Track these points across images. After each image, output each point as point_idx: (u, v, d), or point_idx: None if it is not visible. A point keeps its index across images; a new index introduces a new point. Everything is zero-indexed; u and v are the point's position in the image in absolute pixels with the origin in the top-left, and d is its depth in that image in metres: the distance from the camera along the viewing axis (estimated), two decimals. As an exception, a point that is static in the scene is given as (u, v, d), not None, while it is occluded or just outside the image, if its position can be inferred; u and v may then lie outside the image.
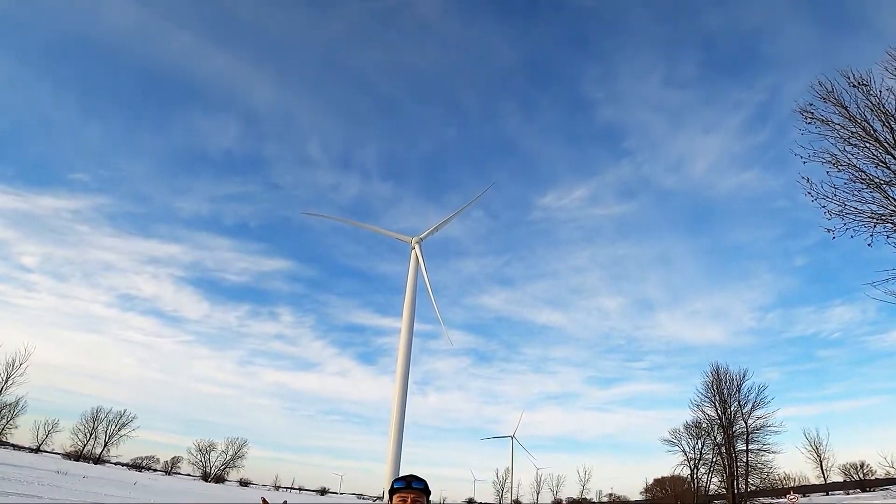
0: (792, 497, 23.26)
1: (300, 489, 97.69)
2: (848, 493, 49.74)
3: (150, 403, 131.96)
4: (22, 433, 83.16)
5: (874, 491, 47.52)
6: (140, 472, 75.86)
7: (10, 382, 33.77)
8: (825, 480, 55.64)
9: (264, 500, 2.56)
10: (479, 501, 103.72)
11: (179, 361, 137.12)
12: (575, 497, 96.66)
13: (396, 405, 27.01)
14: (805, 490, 52.19)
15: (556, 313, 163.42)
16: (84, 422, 76.93)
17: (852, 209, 10.06)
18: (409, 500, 2.24)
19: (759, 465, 42.43)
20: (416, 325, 29.69)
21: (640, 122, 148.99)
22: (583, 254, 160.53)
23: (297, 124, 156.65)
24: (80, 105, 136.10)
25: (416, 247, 31.08)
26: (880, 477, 49.94)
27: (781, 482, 49.29)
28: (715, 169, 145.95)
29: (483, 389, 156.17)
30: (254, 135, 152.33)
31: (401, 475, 2.37)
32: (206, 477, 78.67)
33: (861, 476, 52.94)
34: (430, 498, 2.40)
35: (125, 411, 78.42)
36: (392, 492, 2.29)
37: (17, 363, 33.86)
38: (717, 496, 48.51)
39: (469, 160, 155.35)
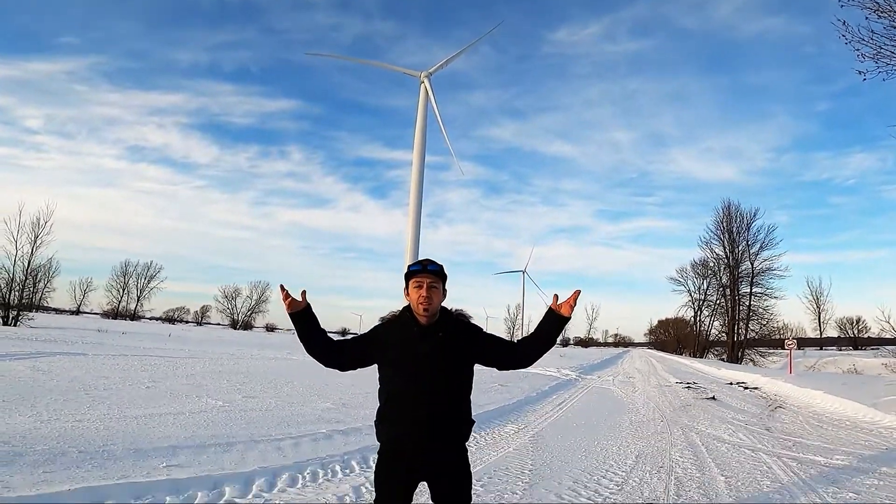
0: (790, 343, 24.09)
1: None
2: (840, 350, 52.75)
3: (173, 253, 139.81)
4: (59, 295, 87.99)
5: (865, 350, 50.18)
6: (173, 324, 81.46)
7: (38, 243, 33.42)
8: (821, 334, 58.49)
9: (282, 286, 1.96)
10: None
11: (196, 208, 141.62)
12: (582, 336, 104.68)
13: (410, 237, 27.40)
14: (800, 343, 55.21)
15: (566, 145, 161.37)
16: (115, 277, 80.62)
17: (888, 53, 10.17)
18: (425, 285, 2.10)
19: (760, 311, 43.42)
20: (426, 158, 29.65)
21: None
22: (594, 88, 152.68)
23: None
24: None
25: (426, 81, 29.98)
26: (873, 335, 52.30)
27: (779, 332, 50.94)
28: (740, 11, 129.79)
29: (493, 222, 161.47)
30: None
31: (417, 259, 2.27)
32: (234, 325, 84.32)
33: (855, 333, 55.69)
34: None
35: (152, 263, 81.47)
36: (408, 276, 2.16)
37: (41, 221, 33.11)
38: (718, 342, 50.37)
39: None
